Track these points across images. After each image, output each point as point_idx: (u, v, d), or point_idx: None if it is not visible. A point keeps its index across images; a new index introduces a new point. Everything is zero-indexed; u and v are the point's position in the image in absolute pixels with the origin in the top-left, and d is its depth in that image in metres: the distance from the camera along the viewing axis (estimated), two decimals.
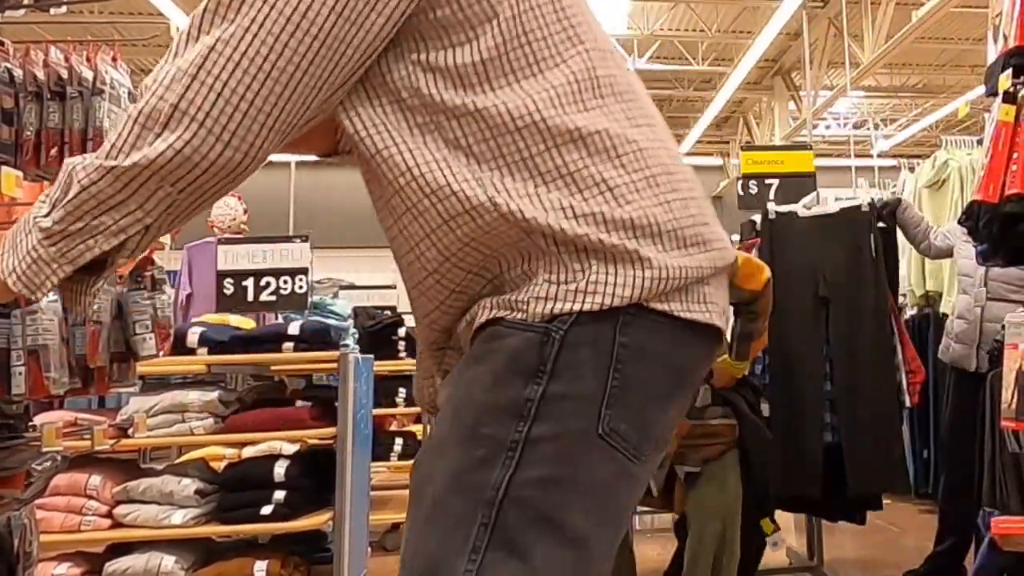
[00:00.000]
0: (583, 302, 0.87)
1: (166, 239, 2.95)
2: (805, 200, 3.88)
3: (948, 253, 3.72)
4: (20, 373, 1.76)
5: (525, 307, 0.88)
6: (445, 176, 0.90)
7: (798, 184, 4.09)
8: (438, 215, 0.91)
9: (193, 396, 3.02)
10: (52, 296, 1.93)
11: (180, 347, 2.99)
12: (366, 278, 6.26)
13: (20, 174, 1.83)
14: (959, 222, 2.67)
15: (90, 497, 2.82)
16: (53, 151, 1.97)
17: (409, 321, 4.48)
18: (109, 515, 2.84)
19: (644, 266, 0.88)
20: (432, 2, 0.91)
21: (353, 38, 0.89)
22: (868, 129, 12.33)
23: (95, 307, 1.99)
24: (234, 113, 0.87)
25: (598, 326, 0.87)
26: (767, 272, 2.79)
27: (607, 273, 0.87)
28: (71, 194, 0.92)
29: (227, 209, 4.88)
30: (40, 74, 1.99)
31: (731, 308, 2.86)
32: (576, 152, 0.90)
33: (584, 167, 0.89)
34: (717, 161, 14.59)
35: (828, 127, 13.37)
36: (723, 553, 2.73)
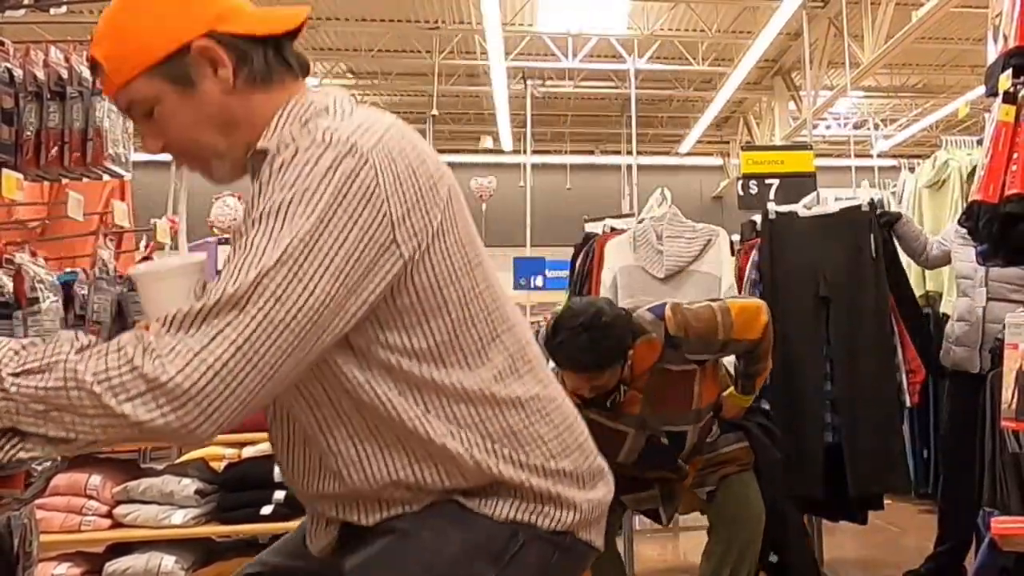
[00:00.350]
0: (537, 522, 1.14)
1: (166, 239, 2.95)
2: (805, 200, 3.88)
3: (946, 260, 3.69)
4: None
5: (494, 507, 1.12)
6: (428, 431, 1.09)
7: (798, 184, 4.10)
8: (424, 449, 1.10)
9: None
10: (53, 297, 1.93)
11: None
12: None
13: (20, 177, 1.83)
14: (959, 222, 2.66)
15: (90, 497, 2.82)
16: (53, 151, 1.98)
17: None
18: (109, 515, 2.84)
19: (576, 505, 1.17)
20: (395, 291, 1.05)
21: (334, 326, 1.01)
22: (868, 129, 12.32)
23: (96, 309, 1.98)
24: (224, 390, 0.95)
25: (548, 543, 1.15)
26: (764, 316, 2.63)
27: (551, 507, 1.15)
28: (49, 382, 0.95)
29: (227, 209, 4.87)
30: (40, 74, 1.99)
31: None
32: (518, 415, 1.14)
33: (525, 427, 1.14)
34: (717, 161, 14.62)
35: (828, 127, 13.38)
36: (741, 563, 2.69)
